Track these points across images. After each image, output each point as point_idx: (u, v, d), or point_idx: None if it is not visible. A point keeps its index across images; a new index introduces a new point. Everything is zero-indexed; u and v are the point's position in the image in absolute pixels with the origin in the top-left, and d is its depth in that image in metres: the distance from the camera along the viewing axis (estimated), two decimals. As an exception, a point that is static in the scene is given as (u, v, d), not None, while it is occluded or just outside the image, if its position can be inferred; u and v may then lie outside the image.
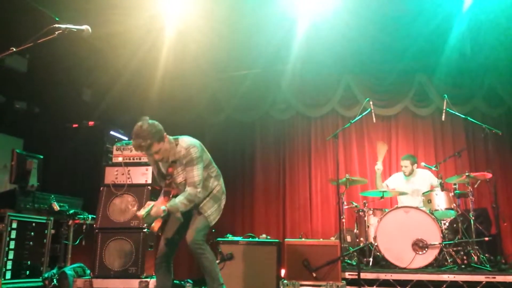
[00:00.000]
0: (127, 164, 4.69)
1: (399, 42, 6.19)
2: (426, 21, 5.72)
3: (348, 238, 5.84)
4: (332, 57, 6.57)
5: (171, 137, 3.44)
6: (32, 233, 4.69)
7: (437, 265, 4.90)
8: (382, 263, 5.01)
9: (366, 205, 5.69)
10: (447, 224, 5.28)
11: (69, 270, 4.52)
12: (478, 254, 4.93)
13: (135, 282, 4.32)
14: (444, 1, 5.55)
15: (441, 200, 5.17)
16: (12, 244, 4.43)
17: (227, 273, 4.62)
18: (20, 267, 4.53)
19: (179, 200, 3.30)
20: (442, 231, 4.99)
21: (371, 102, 5.69)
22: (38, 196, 4.89)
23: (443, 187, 5.26)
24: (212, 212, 3.52)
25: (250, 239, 5.02)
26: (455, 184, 5.31)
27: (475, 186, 5.39)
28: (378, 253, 5.07)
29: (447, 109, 5.52)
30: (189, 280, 4.99)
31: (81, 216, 5.06)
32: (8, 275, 4.34)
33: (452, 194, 5.25)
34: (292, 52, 6.39)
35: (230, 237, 5.12)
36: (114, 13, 5.28)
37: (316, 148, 7.34)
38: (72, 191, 5.68)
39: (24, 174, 4.76)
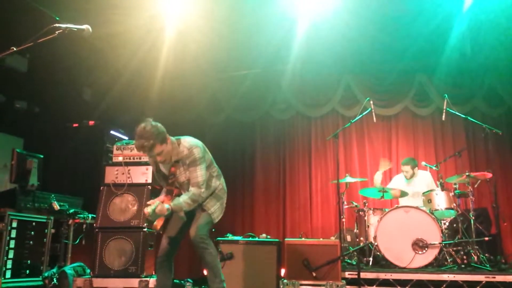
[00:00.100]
0: (127, 164, 4.69)
1: (399, 42, 6.19)
2: (426, 21, 5.72)
3: (348, 238, 5.84)
4: (332, 57, 6.57)
5: (173, 138, 3.45)
6: (32, 233, 4.70)
7: (437, 265, 4.90)
8: (382, 263, 5.01)
9: (366, 204, 5.69)
10: (447, 223, 5.28)
11: (69, 269, 4.52)
12: (478, 254, 4.93)
13: (135, 281, 4.32)
14: (444, 1, 5.55)
15: (441, 200, 5.17)
16: (12, 243, 4.44)
17: (227, 272, 4.61)
18: (20, 266, 4.54)
19: (183, 200, 3.32)
20: (442, 230, 4.99)
21: (371, 102, 5.68)
22: (38, 195, 4.90)
23: (443, 187, 5.26)
24: (215, 209, 3.55)
25: (250, 239, 5.02)
26: (455, 184, 5.31)
27: (475, 186, 5.40)
28: (378, 253, 5.07)
29: (447, 109, 5.52)
30: (189, 280, 4.99)
31: (81, 216, 5.07)
32: (8, 274, 4.35)
33: (452, 193, 5.25)
34: (292, 52, 6.39)
35: (230, 237, 5.12)
36: (114, 13, 5.28)
37: (316, 148, 7.34)
38: (72, 190, 5.69)
39: (25, 174, 4.78)
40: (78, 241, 4.99)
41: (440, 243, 4.83)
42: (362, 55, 6.61)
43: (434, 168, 5.79)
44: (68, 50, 5.50)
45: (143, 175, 4.66)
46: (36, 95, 6.11)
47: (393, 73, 6.89)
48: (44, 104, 6.20)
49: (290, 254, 4.66)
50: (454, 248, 5.04)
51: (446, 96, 5.52)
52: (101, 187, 4.68)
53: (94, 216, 4.69)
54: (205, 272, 3.56)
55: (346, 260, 5.16)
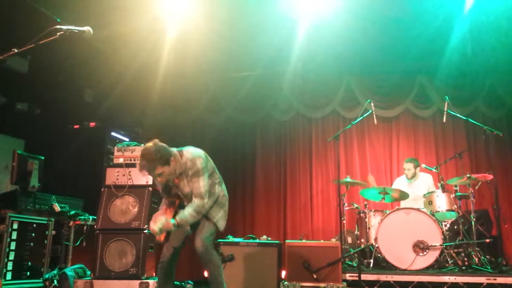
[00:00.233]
0: (128, 165, 4.68)
1: (400, 43, 6.20)
2: (427, 23, 5.73)
3: (349, 240, 5.83)
4: (333, 58, 6.58)
5: (175, 150, 3.41)
6: (33, 234, 4.69)
7: (438, 267, 4.90)
8: (382, 265, 5.01)
9: (367, 206, 5.69)
10: (448, 225, 5.28)
11: (69, 271, 4.52)
12: (479, 255, 4.93)
13: (136, 283, 4.31)
14: (445, 3, 5.55)
15: (442, 202, 5.17)
16: (13, 245, 4.43)
17: (227, 274, 4.59)
18: (21, 268, 4.53)
19: (188, 213, 3.33)
20: (443, 232, 4.99)
21: (372, 104, 5.68)
22: (39, 197, 4.90)
23: (444, 188, 5.26)
24: (219, 217, 3.55)
25: (251, 240, 5.02)
26: (456, 186, 5.31)
27: (476, 187, 5.39)
28: (378, 255, 5.06)
29: (448, 110, 5.52)
30: (189, 281, 5.00)
31: (82, 217, 5.06)
32: (9, 276, 4.34)
33: (453, 195, 5.25)
34: (293, 53, 6.40)
35: (231, 238, 5.12)
36: (115, 14, 5.29)
37: (317, 149, 7.34)
38: (73, 192, 5.68)
39: (25, 175, 4.77)
40: (78, 242, 4.99)
41: (441, 245, 4.83)
42: (363, 57, 6.61)
43: (434, 170, 5.78)
44: (69, 51, 5.50)
45: (144, 176, 4.65)
46: (37, 96, 6.11)
47: (394, 74, 6.89)
48: (45, 105, 6.19)
49: (291, 255, 4.66)
50: (455, 250, 5.04)
51: (447, 97, 5.52)
52: (102, 189, 4.67)
53: (95, 217, 4.68)
54: (205, 274, 3.56)
55: (347, 262, 5.16)
